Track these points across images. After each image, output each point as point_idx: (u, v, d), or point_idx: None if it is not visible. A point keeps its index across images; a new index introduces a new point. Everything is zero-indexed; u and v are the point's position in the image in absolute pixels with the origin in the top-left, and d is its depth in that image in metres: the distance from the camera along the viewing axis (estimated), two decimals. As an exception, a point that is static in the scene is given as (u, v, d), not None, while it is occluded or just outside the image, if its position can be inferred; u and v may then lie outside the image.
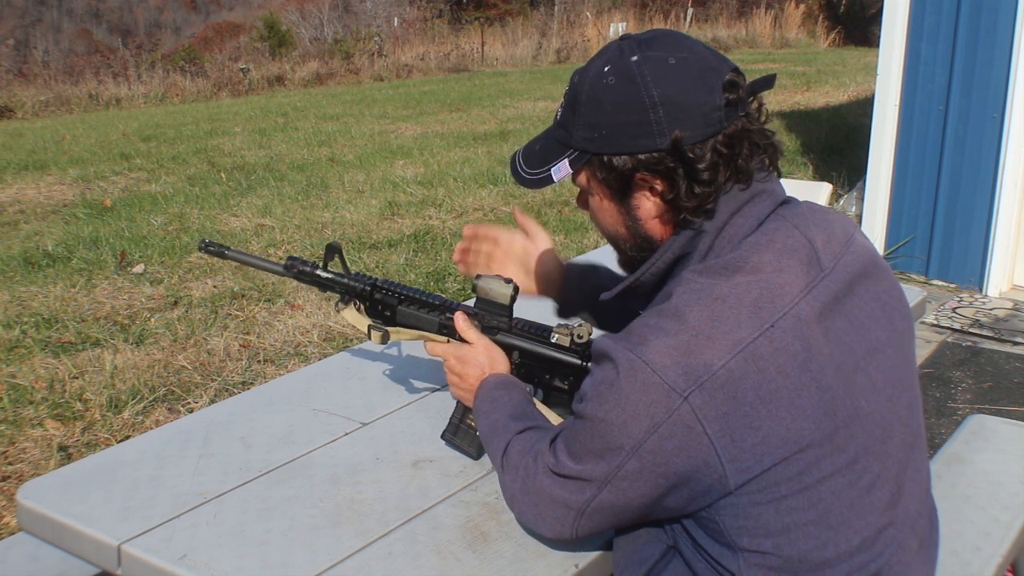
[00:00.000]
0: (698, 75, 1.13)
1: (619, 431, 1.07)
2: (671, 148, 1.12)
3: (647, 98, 1.12)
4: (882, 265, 1.23)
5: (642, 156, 1.14)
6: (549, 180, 1.23)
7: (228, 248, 1.62)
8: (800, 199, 1.24)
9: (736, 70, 1.16)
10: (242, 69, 15.51)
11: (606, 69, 1.16)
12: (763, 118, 1.19)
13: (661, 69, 1.13)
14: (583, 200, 1.27)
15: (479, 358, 1.44)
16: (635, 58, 1.14)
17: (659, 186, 1.16)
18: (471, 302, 1.52)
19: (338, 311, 1.57)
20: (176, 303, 4.44)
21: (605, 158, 1.17)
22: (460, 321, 1.47)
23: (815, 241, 1.15)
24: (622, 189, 1.19)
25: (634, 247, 1.24)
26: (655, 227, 1.21)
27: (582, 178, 1.23)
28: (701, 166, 1.12)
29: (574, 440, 1.14)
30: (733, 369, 1.03)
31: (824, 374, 1.07)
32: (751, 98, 1.17)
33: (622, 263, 1.30)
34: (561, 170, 1.21)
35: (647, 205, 1.19)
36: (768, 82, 1.18)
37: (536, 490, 1.18)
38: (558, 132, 1.23)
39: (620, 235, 1.25)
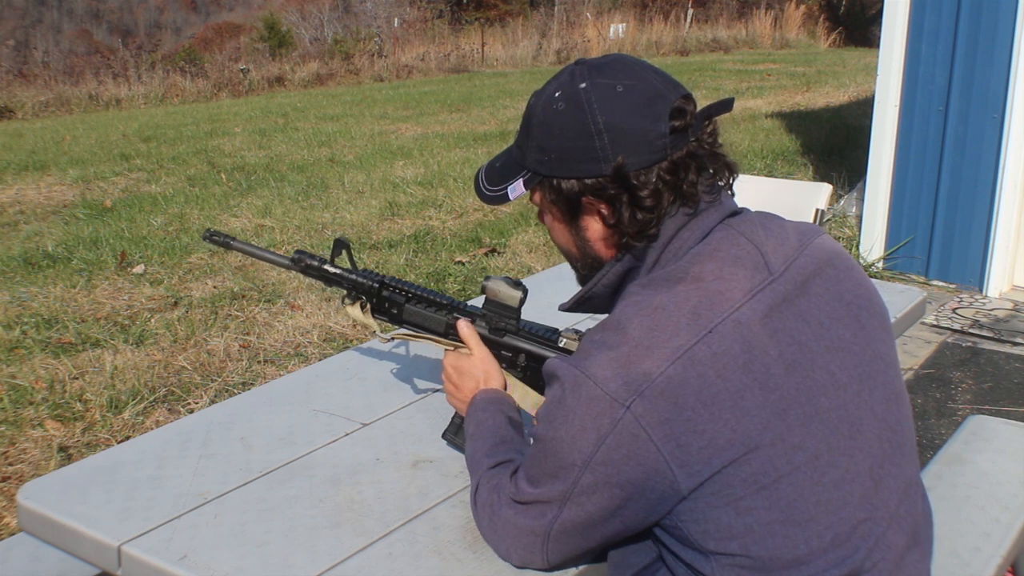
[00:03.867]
0: (645, 103, 1.16)
1: (569, 447, 1.09)
2: (614, 174, 1.15)
3: (592, 125, 1.16)
4: (846, 265, 1.24)
5: (588, 181, 1.18)
6: (506, 198, 1.28)
7: (234, 239, 1.61)
8: (754, 210, 1.26)
9: (686, 96, 1.18)
10: (242, 70, 15.51)
11: (557, 95, 1.20)
12: (716, 142, 1.21)
13: (608, 96, 1.16)
14: (542, 217, 1.32)
15: (475, 371, 1.46)
16: (584, 85, 1.18)
17: (604, 210, 1.20)
18: (479, 302, 1.52)
19: (344, 307, 1.57)
20: (176, 303, 4.44)
21: (555, 181, 1.21)
22: (464, 328, 1.49)
23: (763, 246, 1.17)
24: (571, 211, 1.23)
25: (585, 266, 1.29)
26: (602, 248, 1.25)
27: (536, 197, 1.28)
28: (644, 193, 1.16)
29: (531, 465, 1.17)
30: (672, 376, 1.05)
31: (771, 375, 1.08)
32: (706, 122, 1.19)
33: (578, 279, 1.34)
34: (516, 189, 1.26)
35: (595, 227, 1.23)
36: (725, 106, 1.21)
37: (502, 523, 1.21)
38: (516, 152, 1.28)
39: (572, 254, 1.30)
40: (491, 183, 1.30)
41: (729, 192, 1.24)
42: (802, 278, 1.16)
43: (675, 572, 1.17)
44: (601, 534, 1.15)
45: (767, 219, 1.23)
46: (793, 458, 1.08)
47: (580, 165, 1.18)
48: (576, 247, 1.27)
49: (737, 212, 1.23)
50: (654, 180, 1.16)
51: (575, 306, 1.32)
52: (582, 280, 1.32)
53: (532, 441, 1.18)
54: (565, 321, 2.01)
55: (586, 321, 2.08)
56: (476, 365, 1.46)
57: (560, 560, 1.19)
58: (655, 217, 1.17)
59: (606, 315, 1.21)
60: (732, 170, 1.23)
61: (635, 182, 1.15)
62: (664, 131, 1.15)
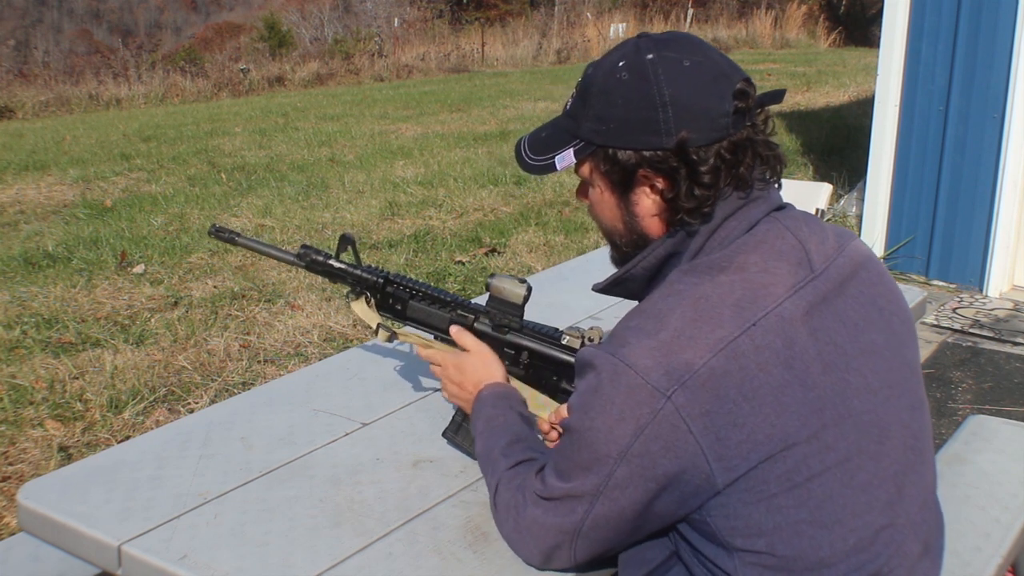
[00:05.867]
0: (710, 80, 1.14)
1: (606, 438, 1.07)
2: (676, 148, 1.13)
3: (658, 97, 1.13)
4: (879, 270, 1.23)
5: (647, 153, 1.15)
6: (552, 168, 1.24)
7: (239, 234, 1.61)
8: (797, 207, 1.25)
9: (747, 80, 1.17)
10: (242, 69, 15.51)
11: (620, 64, 1.17)
12: (769, 131, 1.20)
13: (675, 70, 1.14)
14: (584, 191, 1.28)
15: (477, 367, 1.45)
16: (651, 56, 1.15)
17: (660, 184, 1.17)
18: (484, 300, 1.52)
19: (348, 303, 1.57)
20: (176, 303, 4.44)
21: (610, 151, 1.18)
22: (455, 332, 1.49)
23: (807, 243, 1.16)
24: (623, 183, 1.20)
25: (629, 243, 1.25)
26: (652, 225, 1.22)
27: (585, 169, 1.24)
28: (703, 168, 1.13)
29: (561, 459, 1.14)
30: (715, 367, 1.04)
31: (809, 372, 1.07)
32: (759, 110, 1.18)
33: (615, 259, 1.31)
34: (565, 159, 1.22)
35: (646, 202, 1.20)
36: (776, 96, 1.19)
37: (528, 523, 1.18)
38: (566, 122, 1.24)
39: (617, 230, 1.26)
40: (535, 153, 1.27)
41: (776, 186, 1.23)
42: (840, 279, 1.16)
43: (691, 569, 1.16)
44: (632, 529, 1.14)
45: (808, 217, 1.22)
46: (825, 458, 1.07)
47: (640, 137, 1.15)
48: (623, 222, 1.24)
49: (783, 207, 1.22)
50: (712, 158, 1.14)
51: (609, 287, 1.29)
52: (621, 259, 1.28)
53: (563, 432, 1.15)
54: (568, 319, 2.01)
55: (587, 321, 2.08)
56: (477, 360, 1.45)
57: (586, 558, 1.17)
58: (712, 195, 1.15)
59: (628, 303, 1.20)
60: (782, 162, 1.22)
61: (695, 157, 1.13)
62: (728, 110, 1.14)
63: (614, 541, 1.16)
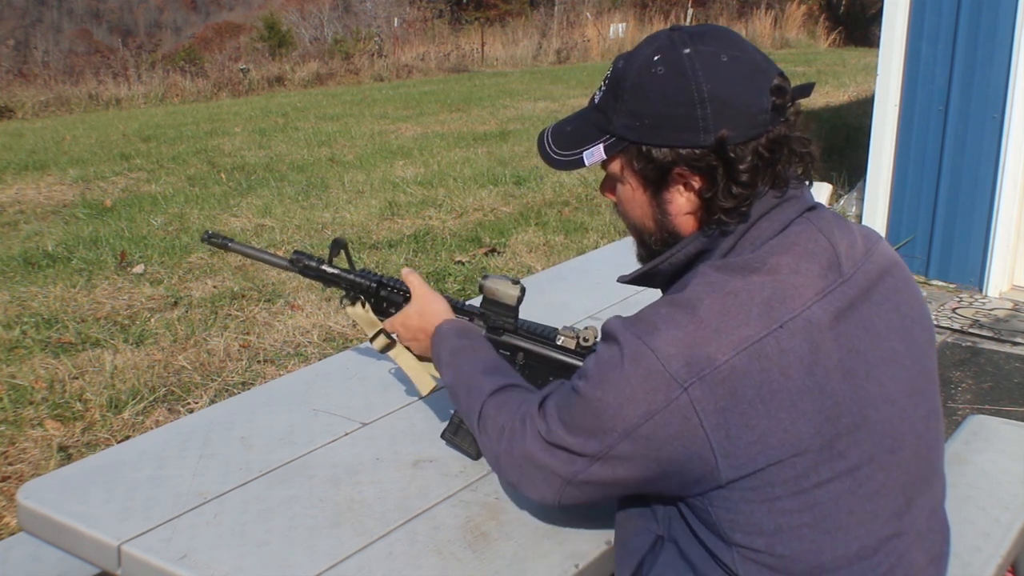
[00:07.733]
0: (748, 75, 1.12)
1: (613, 412, 1.07)
2: (715, 146, 1.11)
3: (696, 93, 1.11)
4: (904, 275, 1.22)
5: (683, 151, 1.13)
6: (580, 163, 1.21)
7: (232, 240, 1.62)
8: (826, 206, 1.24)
9: (782, 74, 1.15)
10: (242, 69, 15.51)
11: (656, 58, 1.14)
12: (801, 126, 1.18)
13: (713, 65, 1.11)
14: (610, 187, 1.25)
15: (428, 303, 1.50)
16: (687, 50, 1.12)
17: (696, 183, 1.15)
18: (477, 302, 1.52)
19: (343, 307, 1.57)
20: (176, 303, 4.44)
21: (644, 148, 1.15)
22: (406, 272, 1.54)
23: (838, 246, 1.14)
24: (657, 181, 1.17)
25: (659, 241, 1.22)
26: (684, 223, 1.19)
27: (615, 165, 1.21)
28: (742, 167, 1.11)
29: (567, 412, 1.13)
30: (736, 365, 1.03)
31: (830, 380, 1.06)
32: (790, 105, 1.16)
33: (641, 255, 1.28)
34: (594, 155, 1.19)
35: (679, 200, 1.18)
36: (806, 90, 1.18)
37: (523, 454, 1.17)
38: (595, 116, 1.21)
39: (647, 228, 1.23)
40: (561, 147, 1.23)
41: (808, 183, 1.21)
42: (867, 284, 1.14)
43: (688, 554, 1.15)
44: (623, 493, 1.14)
45: (838, 218, 1.21)
46: (835, 466, 1.07)
47: (677, 134, 1.12)
48: (654, 220, 1.21)
49: (814, 206, 1.19)
50: (750, 156, 1.11)
51: (636, 279, 1.27)
52: (648, 256, 1.25)
53: (573, 389, 1.13)
54: (568, 319, 2.00)
55: (586, 321, 2.08)
56: (423, 299, 1.50)
57: (573, 503, 1.17)
58: (750, 194, 1.13)
59: (627, 306, 1.18)
60: (814, 159, 1.19)
61: (733, 155, 1.11)
62: (766, 107, 1.11)
63: (602, 498, 1.16)
